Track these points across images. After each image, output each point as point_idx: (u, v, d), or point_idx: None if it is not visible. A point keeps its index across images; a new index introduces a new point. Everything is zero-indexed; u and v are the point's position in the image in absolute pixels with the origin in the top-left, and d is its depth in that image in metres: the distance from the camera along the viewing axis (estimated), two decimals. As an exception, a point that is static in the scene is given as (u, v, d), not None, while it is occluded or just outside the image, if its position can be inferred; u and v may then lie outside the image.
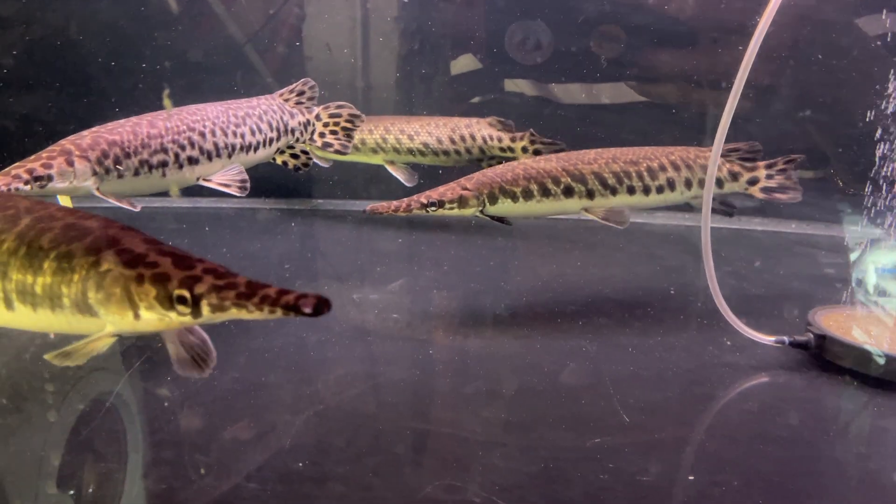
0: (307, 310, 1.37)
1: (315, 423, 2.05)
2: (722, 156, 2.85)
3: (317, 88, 3.28)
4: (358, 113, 3.36)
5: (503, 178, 2.73)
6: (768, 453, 1.90)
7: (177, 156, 2.72)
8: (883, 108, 3.03)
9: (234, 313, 1.45)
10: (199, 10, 4.33)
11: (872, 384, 2.23)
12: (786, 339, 2.38)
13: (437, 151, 3.86)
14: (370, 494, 1.73)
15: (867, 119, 3.91)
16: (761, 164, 2.89)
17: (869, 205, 2.88)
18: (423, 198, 2.67)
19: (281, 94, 3.23)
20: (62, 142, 2.57)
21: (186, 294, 1.47)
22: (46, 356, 1.62)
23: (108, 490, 1.76)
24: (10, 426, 1.99)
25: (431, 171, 4.00)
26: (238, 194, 2.85)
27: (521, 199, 2.72)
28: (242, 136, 2.94)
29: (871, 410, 2.15)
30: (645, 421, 2.06)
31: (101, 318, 1.55)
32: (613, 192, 2.76)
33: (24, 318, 1.62)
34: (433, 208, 2.67)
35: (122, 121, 2.74)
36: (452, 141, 3.83)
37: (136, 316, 1.52)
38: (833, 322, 2.43)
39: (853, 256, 2.89)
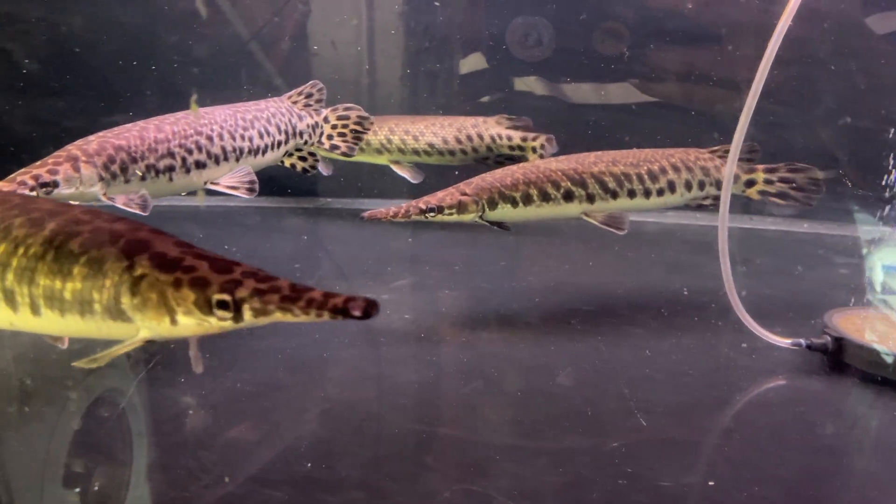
0: (356, 313, 1.35)
1: (329, 426, 2.03)
2: (720, 157, 2.83)
3: (325, 91, 3.27)
4: (367, 115, 3.34)
5: (502, 183, 2.70)
6: (789, 458, 1.88)
7: (184, 160, 2.70)
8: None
9: (278, 317, 1.43)
10: (206, 7, 4.31)
11: (892, 387, 2.20)
12: (802, 341, 2.35)
13: (443, 151, 3.83)
14: (387, 500, 1.71)
15: (879, 117, 3.90)
16: (760, 167, 2.86)
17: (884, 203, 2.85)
18: (421, 203, 2.64)
19: (289, 97, 3.22)
20: (68, 147, 2.56)
21: (227, 298, 1.44)
22: (75, 363, 1.59)
23: (124, 492, 1.75)
24: (26, 428, 1.98)
25: (440, 170, 3.97)
26: (246, 196, 2.83)
27: (520, 204, 2.70)
28: (250, 139, 2.92)
29: (892, 414, 2.13)
30: (662, 424, 2.04)
31: (135, 324, 1.52)
32: (614, 195, 2.74)
33: (50, 323, 1.59)
34: (432, 214, 2.64)
35: (129, 125, 2.72)
36: (458, 141, 3.80)
37: (174, 321, 1.49)
38: (850, 324, 2.40)
39: (866, 257, 2.87)
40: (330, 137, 3.28)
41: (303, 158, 3.28)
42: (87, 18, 4.23)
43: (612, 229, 2.76)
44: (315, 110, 3.23)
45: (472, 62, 4.37)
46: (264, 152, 3.01)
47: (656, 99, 4.25)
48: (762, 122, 3.99)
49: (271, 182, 3.85)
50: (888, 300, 2.57)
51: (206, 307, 1.46)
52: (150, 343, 2.31)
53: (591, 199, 2.72)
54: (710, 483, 1.78)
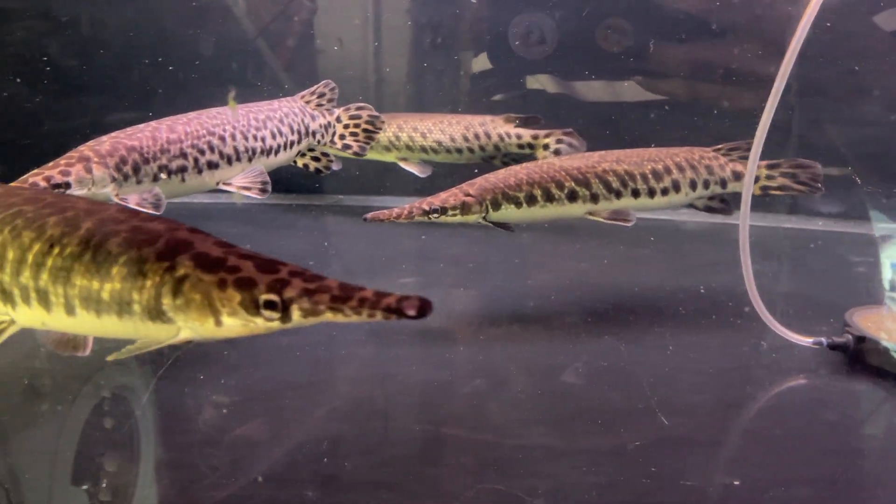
0: (411, 312, 1.32)
1: (349, 425, 2.03)
2: (723, 155, 2.81)
3: (337, 90, 3.25)
4: (377, 114, 3.33)
5: (506, 184, 2.68)
6: (815, 459, 1.87)
7: (196, 161, 2.69)
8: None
9: (328, 317, 1.40)
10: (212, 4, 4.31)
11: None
12: (824, 340, 2.34)
13: (451, 149, 3.82)
14: (411, 500, 1.70)
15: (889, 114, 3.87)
16: (763, 163, 2.84)
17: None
18: (424, 204, 2.62)
19: (302, 96, 3.21)
20: (81, 148, 2.55)
21: (276, 298, 1.41)
22: (110, 359, 1.58)
23: (146, 488, 1.75)
24: (46, 426, 1.98)
25: (451, 169, 3.96)
26: (259, 197, 2.82)
27: (524, 205, 2.68)
28: (263, 139, 2.91)
29: (915, 414, 2.12)
30: (684, 424, 2.03)
31: (175, 325, 1.50)
32: (618, 195, 2.72)
33: (84, 323, 1.56)
34: (435, 215, 2.62)
35: (142, 125, 2.71)
36: (466, 139, 3.79)
37: (218, 322, 1.46)
38: (871, 323, 2.39)
39: (882, 254, 2.86)
40: (342, 137, 3.27)
41: (316, 159, 3.27)
42: (124, 16, 4.22)
43: (618, 223, 2.74)
44: (328, 110, 3.22)
45: (484, 60, 4.35)
46: (277, 152, 3.00)
47: (671, 97, 4.23)
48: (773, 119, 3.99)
49: (281, 179, 3.85)
50: (896, 297, 2.57)
51: (253, 308, 1.43)
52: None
53: (594, 198, 2.70)
54: (736, 483, 1.77)
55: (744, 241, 2.30)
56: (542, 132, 3.70)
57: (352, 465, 1.82)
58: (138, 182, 2.57)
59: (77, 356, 1.76)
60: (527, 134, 3.72)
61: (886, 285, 2.67)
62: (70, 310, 1.55)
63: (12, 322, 1.64)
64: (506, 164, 3.71)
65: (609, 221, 2.73)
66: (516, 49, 4.13)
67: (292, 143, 3.07)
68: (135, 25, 4.23)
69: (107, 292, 1.51)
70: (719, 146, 2.86)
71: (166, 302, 1.48)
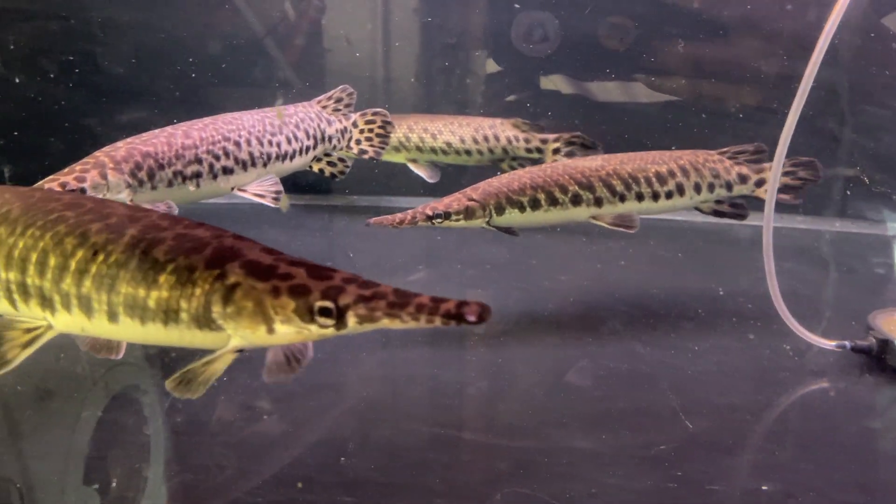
0: (471, 318, 1.31)
1: (371, 427, 2.03)
2: (729, 158, 2.80)
3: (355, 95, 3.25)
4: (391, 120, 3.34)
5: (510, 188, 2.66)
6: (841, 463, 1.86)
7: (211, 166, 2.69)
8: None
9: (384, 324, 1.39)
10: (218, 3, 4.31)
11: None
12: (847, 343, 2.33)
13: (460, 151, 3.83)
14: (438, 501, 1.70)
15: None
16: (767, 165, 2.82)
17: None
18: (428, 209, 2.61)
19: (319, 101, 3.21)
20: (97, 153, 2.54)
21: (331, 305, 1.40)
22: (168, 385, 1.54)
23: (158, 488, 1.75)
24: (73, 426, 1.99)
25: (462, 168, 3.96)
26: (273, 205, 2.83)
27: (528, 209, 2.66)
28: (278, 144, 2.91)
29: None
30: (709, 427, 2.02)
31: (224, 333, 1.49)
32: (622, 198, 2.70)
33: (127, 331, 1.55)
34: (439, 220, 2.61)
35: (157, 131, 2.71)
36: (475, 141, 3.80)
37: (270, 330, 1.45)
38: (894, 326, 2.38)
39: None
40: (358, 142, 3.27)
41: (331, 164, 3.27)
42: (135, 16, 4.22)
43: (622, 229, 2.72)
44: (344, 115, 3.22)
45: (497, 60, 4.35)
46: (292, 157, 3.00)
47: (686, 97, 4.21)
48: (780, 117, 3.97)
49: (300, 178, 3.85)
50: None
51: (308, 315, 1.42)
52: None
53: (598, 202, 2.69)
54: (764, 487, 1.77)
55: (767, 244, 2.30)
56: (550, 136, 3.70)
57: (377, 467, 1.82)
58: (153, 188, 2.57)
59: (111, 358, 1.76)
60: (535, 137, 3.73)
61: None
62: (113, 317, 1.54)
63: (50, 327, 1.63)
64: (513, 167, 3.73)
65: (613, 227, 2.72)
66: (519, 47, 4.12)
67: (308, 149, 3.07)
68: (147, 25, 4.23)
69: (153, 300, 1.50)
70: (725, 149, 2.84)
71: (216, 310, 1.47)
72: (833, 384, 2.28)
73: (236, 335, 1.49)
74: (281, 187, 2.87)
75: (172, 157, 2.60)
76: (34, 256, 1.58)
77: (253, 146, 2.82)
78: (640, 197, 2.71)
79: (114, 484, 1.77)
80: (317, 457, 1.88)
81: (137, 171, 2.51)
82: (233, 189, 2.81)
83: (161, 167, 2.57)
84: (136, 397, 2.15)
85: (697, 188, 2.76)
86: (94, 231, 1.57)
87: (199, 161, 2.66)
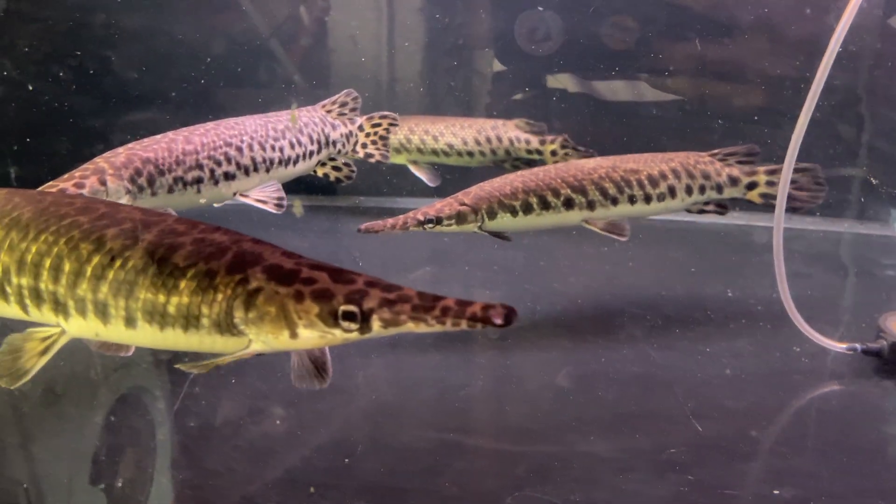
0: (498, 321, 1.30)
1: (380, 430, 2.03)
2: (720, 160, 2.79)
3: (360, 100, 3.24)
4: (396, 122, 3.33)
5: (502, 192, 2.65)
6: (855, 467, 1.86)
7: (212, 172, 2.68)
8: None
9: (409, 327, 1.39)
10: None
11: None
12: (858, 346, 2.33)
13: (462, 152, 3.83)
14: (451, 506, 1.71)
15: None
16: (761, 169, 2.80)
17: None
18: (419, 215, 2.59)
19: (323, 106, 3.20)
20: (96, 160, 2.53)
21: (355, 310, 1.40)
22: (179, 366, 1.56)
23: (162, 488, 1.76)
24: (80, 427, 1.99)
25: (466, 170, 3.96)
26: (275, 211, 2.82)
27: (520, 213, 2.65)
28: (281, 149, 2.90)
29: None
30: (720, 430, 2.02)
31: (245, 338, 1.48)
32: (614, 202, 2.69)
33: (146, 336, 1.54)
34: (430, 225, 2.59)
35: (158, 136, 2.70)
36: (478, 142, 3.81)
37: (293, 335, 1.45)
38: (905, 328, 2.37)
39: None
40: (364, 146, 3.26)
41: (337, 168, 3.26)
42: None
43: (613, 236, 2.72)
44: (350, 119, 3.22)
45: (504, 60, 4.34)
46: (295, 162, 2.98)
47: (694, 97, 4.20)
48: (787, 118, 3.96)
49: (307, 179, 3.86)
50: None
51: (331, 319, 1.41)
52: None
53: (591, 206, 2.68)
54: (776, 492, 1.76)
55: (777, 246, 2.29)
56: (549, 137, 3.71)
57: (388, 471, 1.82)
58: (153, 194, 2.56)
59: (120, 356, 1.75)
60: (535, 139, 3.73)
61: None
62: (130, 322, 1.53)
63: (63, 332, 1.63)
64: (516, 168, 3.74)
65: (604, 233, 2.71)
66: (522, 45, 4.12)
67: (312, 153, 3.06)
68: (150, 27, 4.24)
69: (173, 306, 1.49)
70: (716, 151, 2.83)
71: (238, 315, 1.46)
72: (844, 387, 2.28)
73: (258, 340, 1.48)
74: (283, 193, 2.86)
75: (173, 162, 2.59)
76: (48, 262, 1.58)
77: (255, 151, 2.81)
78: (632, 200, 2.70)
79: (122, 485, 1.78)
80: (327, 460, 1.88)
81: (137, 176, 2.49)
82: (235, 195, 2.80)
83: (161, 173, 2.55)
84: (144, 399, 2.16)
85: (689, 190, 2.76)
86: (110, 236, 1.56)
87: (199, 167, 2.65)
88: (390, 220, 2.54)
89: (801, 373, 2.33)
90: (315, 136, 3.06)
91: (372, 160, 3.29)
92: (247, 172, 2.79)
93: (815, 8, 3.74)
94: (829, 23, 3.61)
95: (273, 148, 2.87)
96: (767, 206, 2.75)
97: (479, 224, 2.65)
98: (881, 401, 2.21)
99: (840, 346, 2.34)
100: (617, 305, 2.87)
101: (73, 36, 4.21)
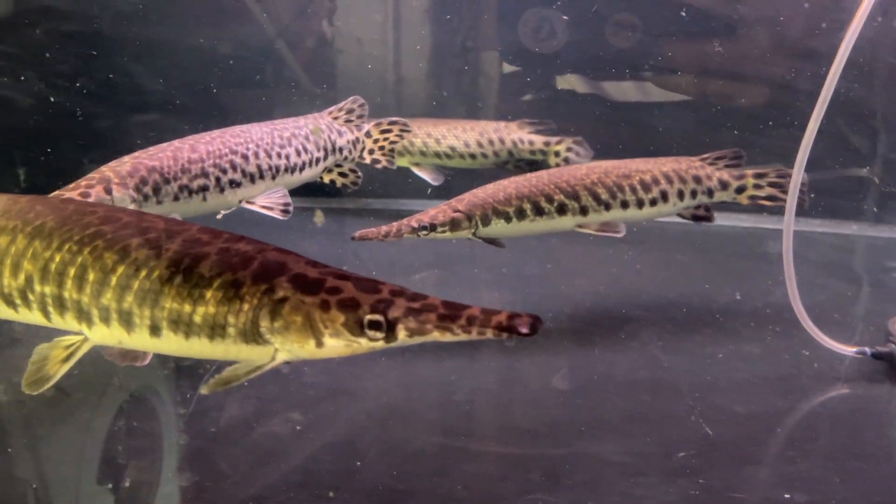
0: (524, 330, 1.31)
1: (396, 433, 2.03)
2: (709, 164, 2.80)
3: (367, 107, 3.25)
4: (409, 128, 3.33)
5: (495, 199, 2.65)
6: (865, 472, 1.86)
7: (218, 180, 2.69)
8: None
9: (435, 336, 1.40)
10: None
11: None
12: (867, 349, 2.33)
13: (464, 155, 3.85)
14: (461, 509, 1.71)
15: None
16: (749, 172, 2.82)
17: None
18: (413, 221, 2.59)
19: (330, 112, 3.21)
20: (102, 168, 2.54)
21: (380, 319, 1.41)
22: (204, 391, 1.56)
23: (179, 493, 1.77)
24: (98, 428, 2.01)
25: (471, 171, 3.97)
26: (281, 217, 2.83)
27: (514, 220, 2.65)
28: (287, 157, 2.90)
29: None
30: (730, 434, 2.02)
31: (271, 346, 1.49)
32: (607, 207, 2.70)
33: (170, 344, 1.55)
34: (424, 232, 2.59)
35: (164, 145, 2.71)
36: (480, 144, 3.82)
37: (319, 344, 1.46)
38: (914, 332, 2.37)
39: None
40: (371, 152, 3.27)
41: (343, 174, 3.27)
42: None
43: (608, 234, 2.72)
44: (356, 126, 3.23)
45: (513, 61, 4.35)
46: (301, 170, 2.99)
47: (700, 97, 4.20)
48: (788, 118, 3.96)
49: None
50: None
51: (357, 328, 1.43)
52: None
53: (584, 211, 2.69)
54: (787, 496, 1.76)
55: (787, 250, 2.29)
56: (553, 139, 3.72)
57: (399, 474, 1.83)
58: (159, 202, 2.56)
59: (136, 366, 1.76)
60: (539, 140, 3.74)
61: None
62: (155, 331, 1.54)
63: (86, 340, 1.64)
64: (519, 170, 3.75)
65: (599, 234, 2.72)
66: (526, 43, 4.13)
67: (318, 160, 3.07)
68: (155, 30, 4.25)
69: (199, 315, 1.50)
70: (706, 155, 2.84)
71: (264, 325, 1.47)
72: (854, 391, 2.27)
73: (283, 349, 1.49)
74: (289, 200, 2.87)
75: (178, 171, 2.59)
76: (72, 271, 1.59)
77: (261, 159, 2.81)
78: (624, 205, 2.71)
79: (140, 487, 1.79)
80: (337, 463, 1.89)
81: (143, 185, 2.50)
82: (240, 202, 2.81)
83: (167, 181, 2.56)
84: (157, 402, 2.17)
85: (681, 195, 2.77)
86: (135, 246, 1.57)
87: (205, 175, 2.65)
88: (384, 228, 2.55)
89: (811, 377, 2.33)
90: (321, 143, 3.07)
91: (378, 166, 3.30)
92: (252, 180, 2.80)
93: (836, 21, 3.74)
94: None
95: (279, 155, 2.87)
96: (755, 207, 2.84)
97: (473, 230, 2.65)
98: (890, 405, 2.21)
99: (849, 350, 2.34)
100: (624, 309, 2.87)
101: (96, 47, 4.23)
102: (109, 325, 1.58)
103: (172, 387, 2.22)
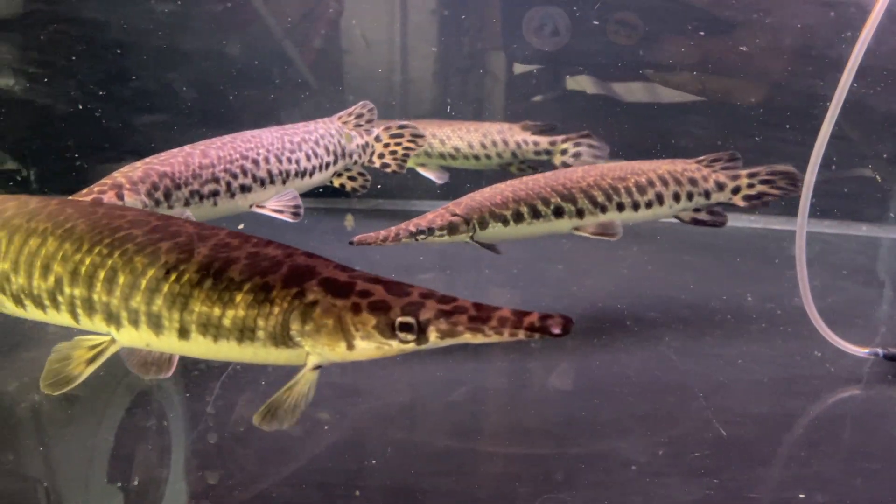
0: (556, 330, 1.32)
1: (411, 432, 2.05)
2: (705, 166, 2.81)
3: (376, 111, 3.27)
4: (421, 133, 3.34)
5: (492, 202, 2.66)
6: (879, 472, 1.87)
7: (228, 185, 2.71)
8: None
9: (466, 338, 1.41)
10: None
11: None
12: (880, 351, 2.34)
13: (468, 156, 3.88)
14: (479, 509, 1.73)
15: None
16: (743, 172, 2.83)
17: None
18: (411, 226, 2.59)
19: (339, 117, 3.24)
20: (114, 174, 2.56)
21: (412, 321, 1.43)
22: (255, 420, 1.55)
23: (187, 491, 1.78)
24: (116, 427, 2.03)
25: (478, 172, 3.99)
26: (291, 220, 2.84)
27: (511, 223, 2.65)
28: (297, 161, 2.93)
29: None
30: (743, 434, 2.03)
31: (300, 350, 1.51)
32: (603, 209, 2.70)
33: (199, 347, 1.57)
34: (422, 236, 2.59)
35: (175, 150, 2.73)
36: (483, 146, 3.84)
37: (350, 346, 1.48)
38: (926, 333, 2.38)
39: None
40: (381, 156, 3.30)
41: (352, 178, 3.29)
42: (150, 20, 4.27)
43: (604, 237, 2.72)
44: (366, 130, 3.25)
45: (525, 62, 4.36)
46: (311, 174, 3.02)
47: (711, 98, 4.21)
48: (788, 115, 3.96)
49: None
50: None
51: (389, 331, 1.44)
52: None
53: (580, 214, 2.69)
54: (801, 495, 1.77)
55: (800, 250, 2.30)
56: (559, 138, 3.74)
57: (415, 473, 1.84)
58: (170, 207, 2.58)
59: (159, 378, 1.77)
60: (544, 140, 3.76)
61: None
62: (184, 334, 1.55)
63: (113, 342, 1.65)
64: (522, 171, 3.77)
65: (595, 237, 2.73)
66: (531, 41, 4.15)
67: (328, 165, 3.09)
68: (163, 31, 4.27)
69: (229, 319, 1.51)
70: (702, 157, 2.85)
71: (295, 328, 1.49)
72: (866, 392, 2.28)
73: (314, 352, 1.51)
74: (300, 202, 2.89)
75: (189, 176, 2.62)
76: (102, 274, 1.60)
77: (271, 164, 2.83)
78: (620, 207, 2.72)
79: (140, 485, 1.80)
80: (352, 462, 1.90)
81: (154, 190, 2.53)
82: (251, 206, 2.83)
83: (178, 186, 2.58)
84: (175, 401, 2.19)
85: (676, 197, 2.77)
86: (165, 250, 1.59)
87: (216, 180, 2.68)
88: (382, 233, 2.55)
89: (823, 378, 2.34)
90: (332, 148, 3.09)
91: (388, 170, 3.32)
92: (263, 185, 2.82)
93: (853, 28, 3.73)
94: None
95: (289, 160, 2.90)
96: (751, 208, 2.83)
97: (470, 234, 2.66)
98: (904, 406, 2.22)
99: (861, 351, 2.35)
100: (635, 309, 2.89)
101: (109, 51, 4.26)
102: (138, 328, 1.59)
103: (195, 386, 2.23)
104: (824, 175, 3.84)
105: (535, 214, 2.66)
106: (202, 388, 2.20)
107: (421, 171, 3.95)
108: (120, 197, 2.46)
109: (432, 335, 1.43)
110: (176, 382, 2.24)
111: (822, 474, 1.88)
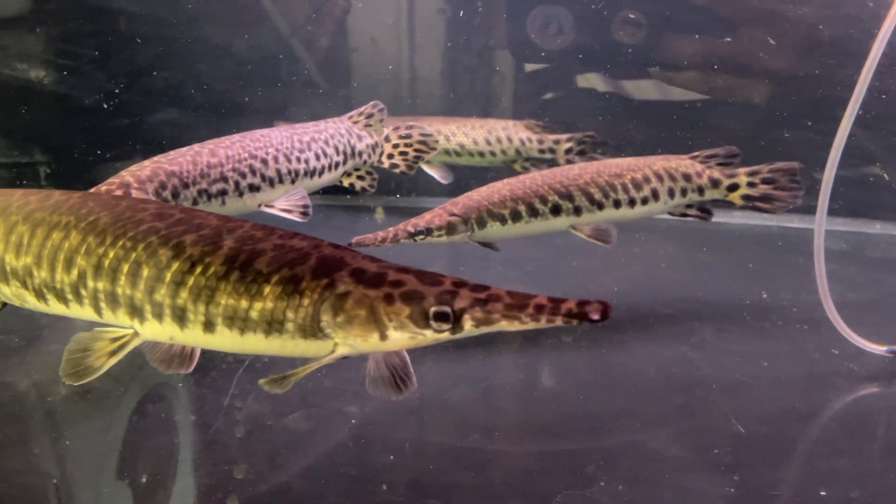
0: (595, 316, 1.31)
1: (431, 427, 2.06)
2: (700, 162, 2.80)
3: (385, 111, 3.28)
4: (430, 132, 3.34)
5: (490, 201, 2.66)
6: (900, 469, 1.87)
7: (237, 184, 2.71)
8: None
9: (502, 325, 1.40)
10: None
11: None
12: (898, 348, 2.33)
13: (473, 152, 3.89)
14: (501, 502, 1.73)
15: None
16: (742, 170, 2.81)
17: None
18: (410, 227, 2.61)
19: (350, 117, 3.24)
20: (122, 173, 2.56)
21: (447, 310, 1.41)
22: (261, 382, 1.56)
23: (195, 486, 1.79)
24: (135, 421, 2.04)
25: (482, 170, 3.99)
26: (300, 220, 2.84)
27: (509, 221, 2.66)
28: (307, 161, 2.92)
29: None
30: (762, 431, 2.03)
31: (329, 341, 1.50)
32: (600, 206, 2.71)
33: (224, 340, 1.56)
34: (421, 237, 2.60)
35: (184, 149, 2.73)
36: (488, 142, 3.86)
37: (383, 337, 1.46)
38: (945, 331, 2.37)
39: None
40: (390, 157, 3.30)
41: (360, 177, 3.29)
42: (158, 16, 4.28)
43: (599, 242, 2.73)
44: (375, 130, 3.25)
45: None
46: (321, 174, 3.02)
47: (720, 96, 4.20)
48: (787, 115, 3.94)
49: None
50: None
51: (423, 320, 1.43)
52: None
53: (578, 211, 2.70)
54: (823, 493, 1.77)
55: (818, 248, 2.30)
56: (563, 136, 3.74)
57: (435, 468, 1.85)
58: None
59: (180, 373, 1.77)
60: (548, 138, 3.77)
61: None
62: (210, 328, 1.54)
63: (136, 335, 1.65)
64: (527, 168, 3.77)
65: (591, 240, 2.73)
66: (535, 40, 4.15)
67: (337, 164, 3.09)
68: (176, 26, 4.28)
69: (256, 311, 1.49)
70: (697, 153, 2.84)
71: (326, 319, 1.48)
72: (885, 389, 2.28)
73: (345, 343, 1.50)
74: (309, 202, 2.89)
75: (197, 175, 2.61)
76: (126, 267, 1.60)
77: (280, 163, 2.83)
78: (617, 204, 2.72)
79: (151, 480, 1.81)
80: (373, 456, 1.91)
81: (162, 189, 2.52)
82: (260, 206, 2.83)
83: (186, 186, 2.58)
84: (194, 395, 2.19)
85: (671, 193, 2.77)
86: (189, 242, 1.57)
87: (224, 179, 2.67)
88: (381, 234, 2.56)
89: (841, 375, 2.34)
90: (341, 148, 3.09)
91: (397, 171, 3.33)
92: (272, 184, 2.82)
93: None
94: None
95: (298, 160, 2.89)
96: (749, 207, 2.81)
97: (469, 234, 2.67)
98: (923, 404, 2.22)
99: (880, 349, 2.35)
100: (651, 306, 2.89)
101: (120, 47, 4.27)
102: (162, 321, 1.58)
103: (212, 381, 2.24)
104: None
105: (533, 213, 2.66)
106: (223, 381, 2.21)
107: (426, 168, 3.96)
108: (128, 195, 2.46)
109: (468, 324, 1.42)
110: (207, 378, 2.25)
111: (842, 471, 1.88)
